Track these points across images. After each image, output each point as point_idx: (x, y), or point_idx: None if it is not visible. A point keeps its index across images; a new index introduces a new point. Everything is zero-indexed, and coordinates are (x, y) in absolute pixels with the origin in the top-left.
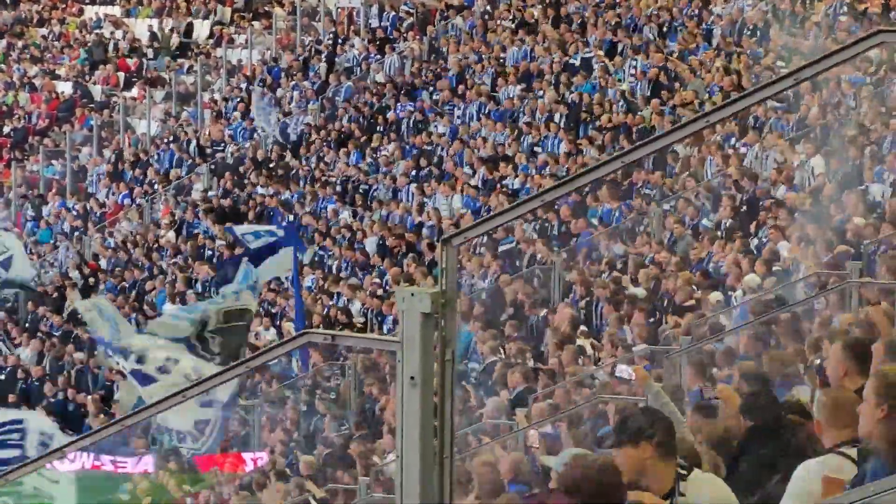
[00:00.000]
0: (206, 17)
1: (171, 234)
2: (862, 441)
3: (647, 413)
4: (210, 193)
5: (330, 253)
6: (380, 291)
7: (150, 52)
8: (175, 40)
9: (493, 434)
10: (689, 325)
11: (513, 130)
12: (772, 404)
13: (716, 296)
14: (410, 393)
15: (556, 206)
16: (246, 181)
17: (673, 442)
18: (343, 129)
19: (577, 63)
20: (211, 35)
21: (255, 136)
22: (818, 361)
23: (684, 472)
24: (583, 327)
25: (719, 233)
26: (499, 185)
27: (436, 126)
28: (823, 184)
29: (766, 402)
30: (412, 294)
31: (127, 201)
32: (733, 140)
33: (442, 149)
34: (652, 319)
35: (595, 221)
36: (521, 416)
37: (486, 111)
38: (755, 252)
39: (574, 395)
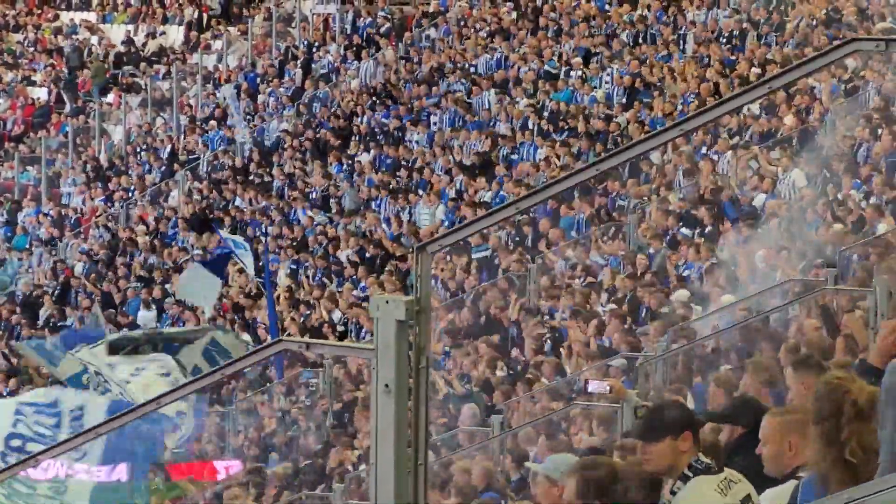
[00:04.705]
0: (181, 24)
1: (147, 242)
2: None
3: (680, 406)
4: (192, 191)
5: (305, 264)
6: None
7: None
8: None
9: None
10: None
11: (489, 139)
12: (759, 411)
13: (682, 294)
14: (385, 400)
15: (532, 215)
16: (223, 188)
17: (696, 437)
18: (319, 137)
19: (554, 70)
20: (186, 41)
21: (232, 143)
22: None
23: (691, 473)
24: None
25: (696, 240)
26: (474, 194)
27: (412, 135)
28: (801, 193)
29: (753, 409)
30: (387, 302)
31: (102, 207)
32: (705, 150)
33: (416, 158)
34: (626, 326)
35: (570, 229)
36: (495, 424)
37: (462, 119)
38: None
39: (551, 402)
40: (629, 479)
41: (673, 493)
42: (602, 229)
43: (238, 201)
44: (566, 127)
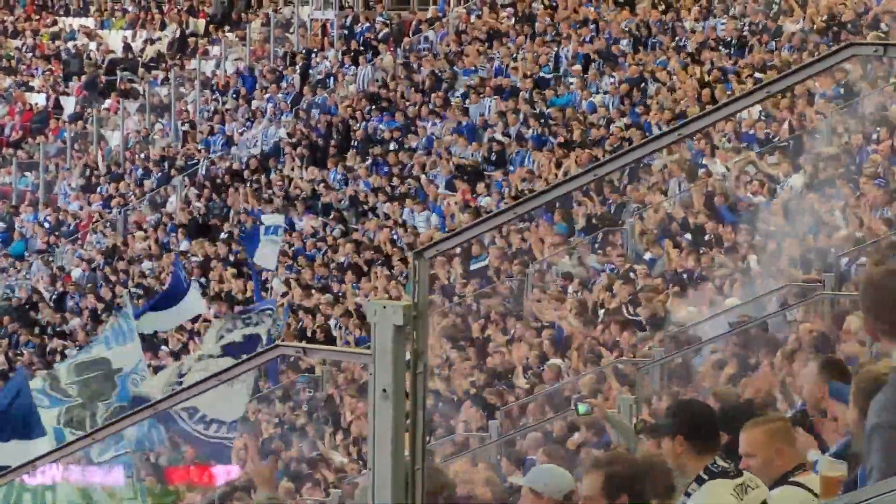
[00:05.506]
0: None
1: (144, 248)
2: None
3: (700, 405)
4: (192, 197)
5: (300, 269)
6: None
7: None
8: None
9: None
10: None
11: (487, 145)
12: (752, 415)
13: (688, 312)
14: (382, 405)
15: (534, 222)
16: (222, 195)
17: (710, 441)
18: (317, 143)
19: (548, 77)
20: (184, 46)
21: (231, 149)
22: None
23: (706, 476)
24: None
25: (696, 245)
26: (473, 199)
27: (410, 142)
28: (799, 198)
29: (749, 414)
30: (384, 307)
31: (100, 213)
32: (703, 159)
33: (413, 165)
34: (626, 332)
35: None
36: (492, 429)
37: (460, 126)
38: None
39: (546, 410)
40: (650, 474)
41: (688, 494)
42: (598, 235)
43: (242, 207)
44: (564, 132)
